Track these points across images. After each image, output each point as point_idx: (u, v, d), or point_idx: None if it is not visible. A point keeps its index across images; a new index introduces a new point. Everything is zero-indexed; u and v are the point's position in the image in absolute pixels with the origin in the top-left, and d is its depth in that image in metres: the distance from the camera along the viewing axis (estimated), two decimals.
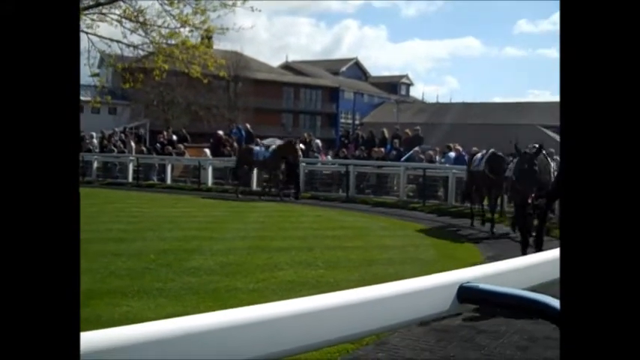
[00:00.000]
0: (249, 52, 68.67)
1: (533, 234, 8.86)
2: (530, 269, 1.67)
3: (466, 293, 1.42)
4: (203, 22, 14.78)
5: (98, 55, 15.38)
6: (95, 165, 24.54)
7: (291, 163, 18.51)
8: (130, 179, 22.98)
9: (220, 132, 25.76)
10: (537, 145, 8.23)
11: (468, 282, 1.44)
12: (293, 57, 74.66)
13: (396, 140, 20.60)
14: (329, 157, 23.43)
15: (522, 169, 8.10)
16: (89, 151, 26.46)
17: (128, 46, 14.80)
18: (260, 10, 16.27)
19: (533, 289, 1.50)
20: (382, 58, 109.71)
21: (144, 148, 26.17)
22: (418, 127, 21.61)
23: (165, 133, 26.99)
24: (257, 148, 19.63)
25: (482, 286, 1.45)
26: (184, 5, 14.55)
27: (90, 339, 0.91)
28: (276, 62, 67.19)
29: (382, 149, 20.89)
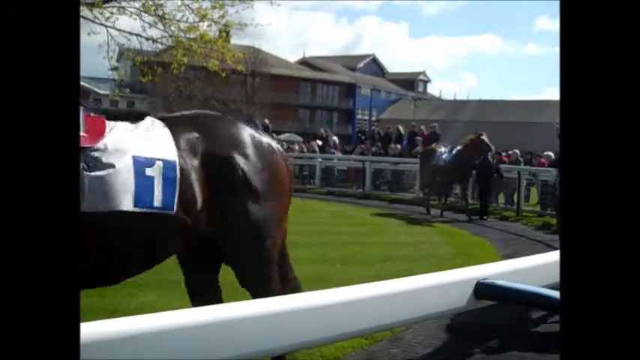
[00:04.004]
0: (269, 48, 68.68)
1: None
2: (547, 267, 1.65)
3: (483, 290, 1.41)
4: (221, 17, 14.80)
5: (117, 48, 15.41)
6: None
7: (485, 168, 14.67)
8: None
9: None
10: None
11: (485, 278, 1.43)
12: (313, 53, 74.45)
13: (419, 138, 20.45)
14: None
15: None
16: None
17: (147, 39, 14.85)
18: (279, 5, 16.26)
19: (552, 287, 1.48)
20: (401, 55, 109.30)
21: None
22: (435, 125, 21.51)
23: None
24: (441, 149, 15.17)
25: (500, 282, 1.44)
26: None
27: (93, 329, 0.91)
28: (295, 58, 67.20)
29: (398, 146, 20.87)
